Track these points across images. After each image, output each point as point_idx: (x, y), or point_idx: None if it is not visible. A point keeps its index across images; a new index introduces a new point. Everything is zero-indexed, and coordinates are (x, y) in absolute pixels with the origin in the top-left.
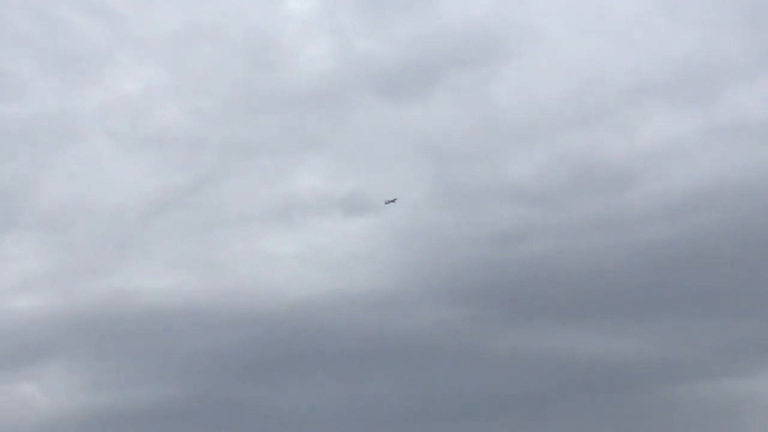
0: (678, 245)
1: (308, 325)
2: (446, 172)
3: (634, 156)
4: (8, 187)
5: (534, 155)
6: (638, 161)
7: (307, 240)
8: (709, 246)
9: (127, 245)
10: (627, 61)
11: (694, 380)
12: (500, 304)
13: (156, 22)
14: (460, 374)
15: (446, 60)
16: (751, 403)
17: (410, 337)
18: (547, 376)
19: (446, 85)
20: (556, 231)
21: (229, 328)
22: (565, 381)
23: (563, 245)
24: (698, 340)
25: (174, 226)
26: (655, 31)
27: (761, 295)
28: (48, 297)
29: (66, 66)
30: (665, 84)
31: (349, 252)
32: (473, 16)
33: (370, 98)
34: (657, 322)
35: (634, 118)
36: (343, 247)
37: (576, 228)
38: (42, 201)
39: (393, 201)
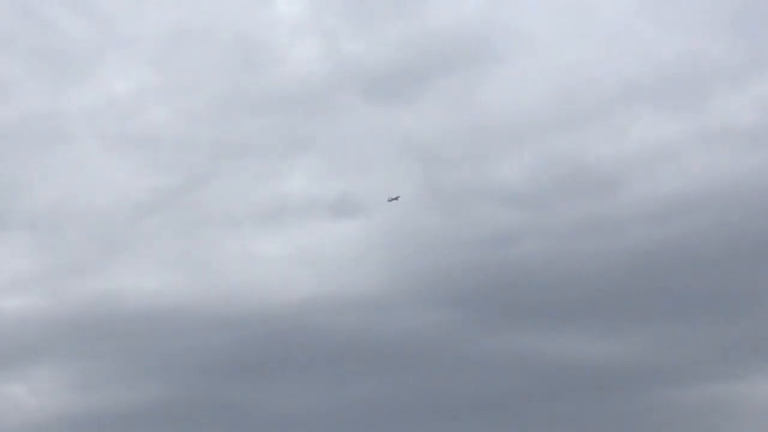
0: (666, 249)
1: (296, 327)
2: (434, 174)
3: (622, 159)
4: None
5: (522, 158)
6: (626, 165)
7: (296, 242)
8: (698, 250)
9: (116, 246)
10: (615, 65)
11: (680, 384)
12: (488, 307)
13: (145, 23)
14: (448, 377)
15: (435, 63)
16: (738, 407)
17: (398, 340)
18: (534, 379)
19: (435, 87)
20: (544, 234)
21: (217, 330)
22: (552, 384)
23: (551, 248)
24: (685, 344)
25: (162, 227)
26: (643, 35)
27: (749, 300)
28: (36, 298)
29: (54, 67)
30: (653, 87)
31: (337, 254)
32: (461, 19)
33: (359, 100)
34: (644, 326)
35: (622, 122)
36: (331, 249)
37: (564, 231)
38: (30, 202)
39: (396, 198)
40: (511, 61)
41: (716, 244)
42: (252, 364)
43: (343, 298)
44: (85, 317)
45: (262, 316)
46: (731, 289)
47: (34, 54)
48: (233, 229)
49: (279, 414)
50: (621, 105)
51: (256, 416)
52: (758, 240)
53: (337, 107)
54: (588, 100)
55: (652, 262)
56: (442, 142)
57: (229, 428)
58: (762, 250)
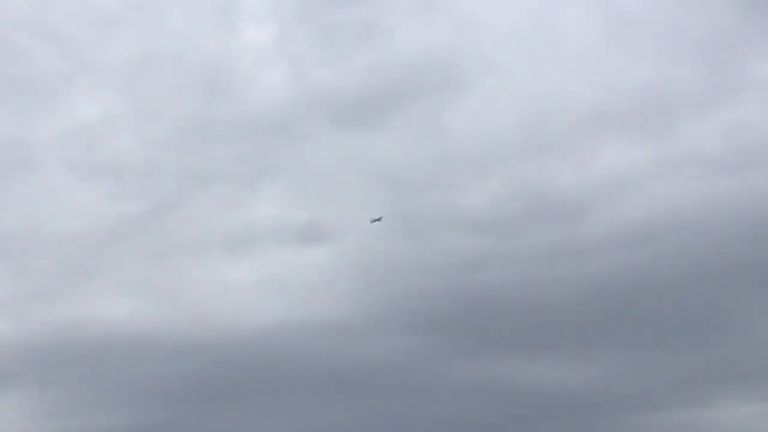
0: (632, 276)
1: (265, 353)
2: (401, 201)
3: (588, 187)
4: None
5: (489, 185)
6: (592, 192)
7: (264, 268)
8: (663, 277)
9: (84, 273)
10: (581, 92)
11: (645, 410)
12: (456, 334)
13: (112, 50)
14: (417, 403)
15: (402, 90)
16: None
17: (367, 366)
18: (501, 405)
19: (402, 114)
20: (511, 261)
21: (186, 356)
22: (518, 410)
23: (518, 275)
24: (650, 371)
25: (130, 253)
26: (609, 63)
27: (714, 327)
28: (3, 324)
29: (22, 93)
30: (619, 115)
31: (305, 280)
32: (429, 46)
33: (327, 127)
34: (609, 353)
35: (588, 149)
36: (299, 275)
37: (531, 258)
38: None
39: (379, 219)
40: (478, 88)
41: (682, 271)
42: (221, 390)
43: (311, 324)
44: (52, 344)
45: (230, 343)
46: (696, 315)
47: (1, 81)
48: (201, 255)
49: None
50: (587, 132)
51: None
52: (724, 267)
53: (305, 134)
54: (554, 127)
55: (618, 288)
56: (410, 168)
57: None
58: (727, 277)
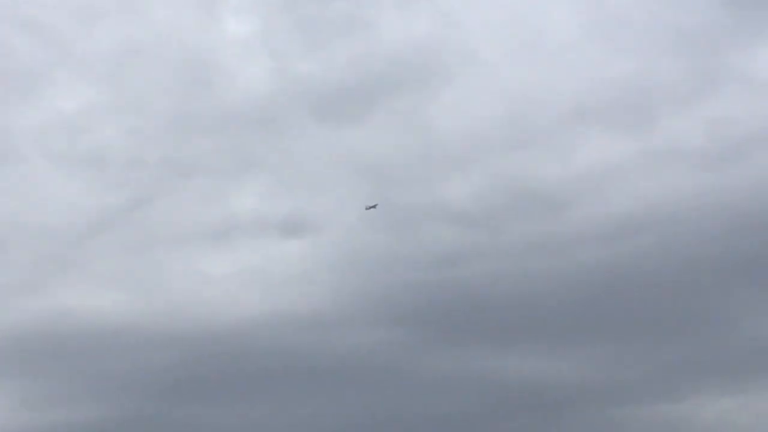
0: (613, 269)
1: (244, 345)
2: (383, 194)
3: (570, 180)
4: None
5: (471, 178)
6: (575, 185)
7: (244, 261)
8: (645, 270)
9: (63, 264)
10: (563, 85)
11: (628, 403)
12: (437, 327)
13: (94, 42)
14: (396, 395)
15: (384, 83)
16: (687, 428)
17: (346, 359)
18: (482, 398)
19: (384, 107)
20: (493, 254)
21: (165, 348)
22: (499, 403)
23: (500, 268)
24: (632, 364)
25: (110, 245)
26: (591, 56)
27: (696, 320)
28: None
29: (2, 85)
30: (602, 109)
31: (285, 273)
32: (411, 39)
33: (308, 120)
34: (592, 346)
35: (570, 143)
36: (279, 268)
37: (512, 251)
38: None
39: (374, 207)
40: (460, 81)
41: (664, 265)
42: (200, 382)
43: (291, 316)
44: (31, 336)
45: (210, 335)
46: (678, 309)
47: None
48: (182, 248)
49: (227, 431)
50: (570, 126)
51: None
52: (705, 261)
53: (287, 127)
54: (537, 120)
55: (600, 282)
56: (392, 161)
57: None
58: (709, 271)
